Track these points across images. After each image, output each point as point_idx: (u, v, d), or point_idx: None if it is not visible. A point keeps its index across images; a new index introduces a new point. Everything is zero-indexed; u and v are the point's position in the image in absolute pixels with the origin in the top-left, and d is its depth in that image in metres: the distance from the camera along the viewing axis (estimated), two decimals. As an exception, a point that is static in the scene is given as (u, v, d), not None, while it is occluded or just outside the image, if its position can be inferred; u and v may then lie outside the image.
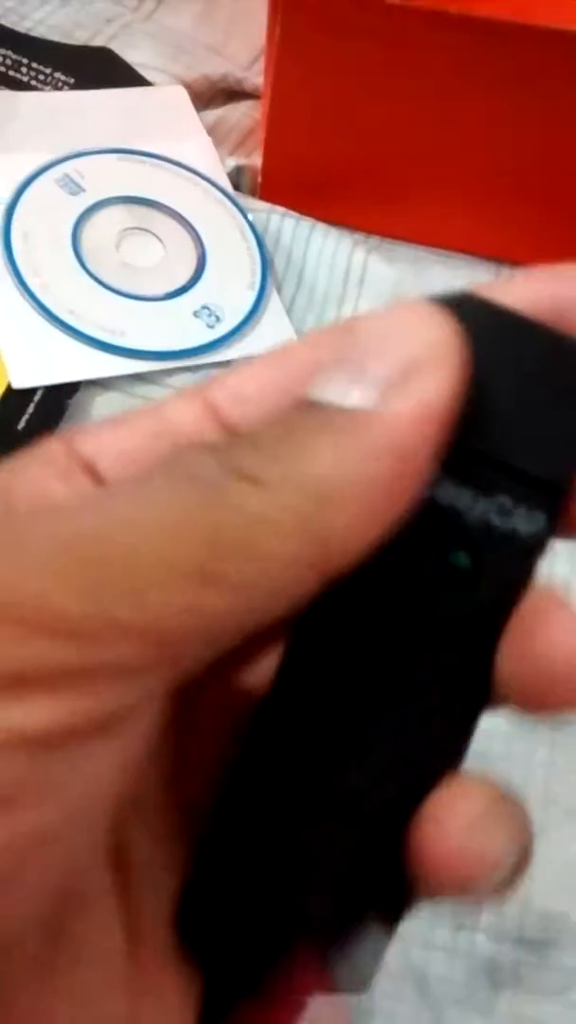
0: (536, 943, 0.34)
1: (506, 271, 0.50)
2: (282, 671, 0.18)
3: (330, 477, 0.15)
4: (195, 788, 0.19)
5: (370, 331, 0.16)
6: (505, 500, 0.17)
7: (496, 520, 0.17)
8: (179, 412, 0.18)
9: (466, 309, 0.17)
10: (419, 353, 0.16)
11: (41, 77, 0.51)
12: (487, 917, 0.33)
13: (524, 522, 0.17)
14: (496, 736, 0.36)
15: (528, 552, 0.17)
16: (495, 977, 0.32)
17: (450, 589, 0.17)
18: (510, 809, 0.17)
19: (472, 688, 0.17)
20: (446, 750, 0.18)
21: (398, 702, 0.17)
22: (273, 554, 0.15)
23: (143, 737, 0.16)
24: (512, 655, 0.17)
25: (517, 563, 0.17)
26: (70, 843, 0.16)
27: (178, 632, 0.15)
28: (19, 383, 0.42)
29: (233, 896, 0.17)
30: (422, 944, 0.33)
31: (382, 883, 0.18)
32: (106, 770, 0.16)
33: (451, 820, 0.17)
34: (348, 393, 0.16)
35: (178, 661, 0.15)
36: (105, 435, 0.18)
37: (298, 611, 0.17)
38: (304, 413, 0.16)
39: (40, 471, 0.18)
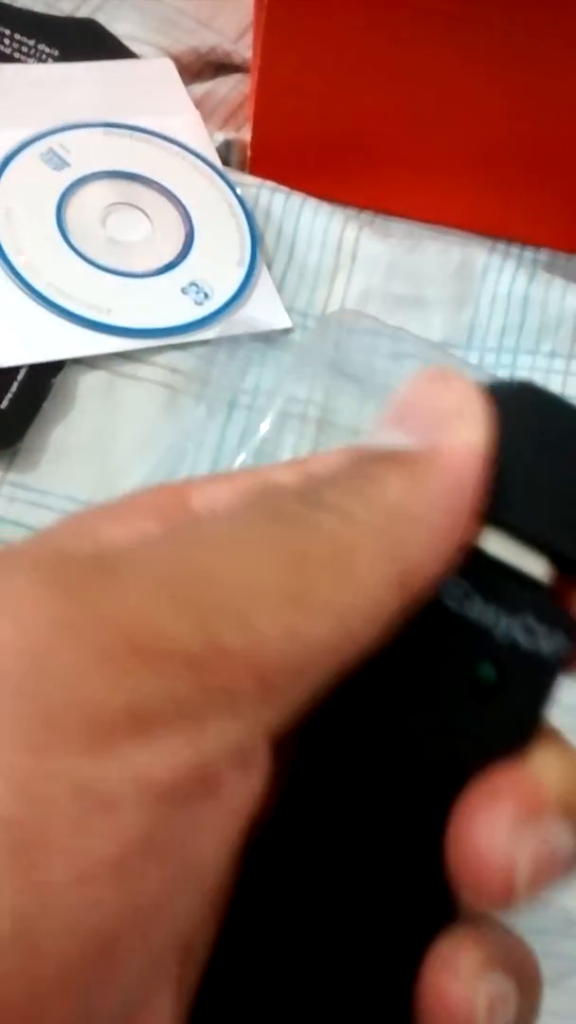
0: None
1: (501, 247, 0.49)
2: (290, 785, 0.18)
3: (405, 503, 0.17)
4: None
5: (404, 396, 0.18)
6: (530, 619, 0.18)
7: (521, 638, 0.18)
8: (282, 475, 0.19)
9: (511, 392, 0.18)
10: (452, 404, 0.18)
11: (24, 49, 0.50)
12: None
13: (547, 642, 0.18)
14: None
15: (549, 671, 0.18)
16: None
17: (473, 702, 0.18)
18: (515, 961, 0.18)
19: None
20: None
21: (411, 821, 0.17)
22: (363, 575, 0.16)
23: (252, 794, 0.16)
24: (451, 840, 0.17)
25: (539, 681, 0.18)
26: (174, 918, 0.15)
27: (281, 658, 0.15)
28: (2, 361, 0.41)
29: (240, 1010, 0.17)
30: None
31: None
32: (221, 829, 0.15)
33: (457, 968, 0.17)
34: (400, 440, 0.17)
35: (282, 695, 0.15)
36: (211, 488, 0.18)
37: (311, 718, 0.17)
38: (367, 457, 0.17)
39: (137, 514, 0.18)
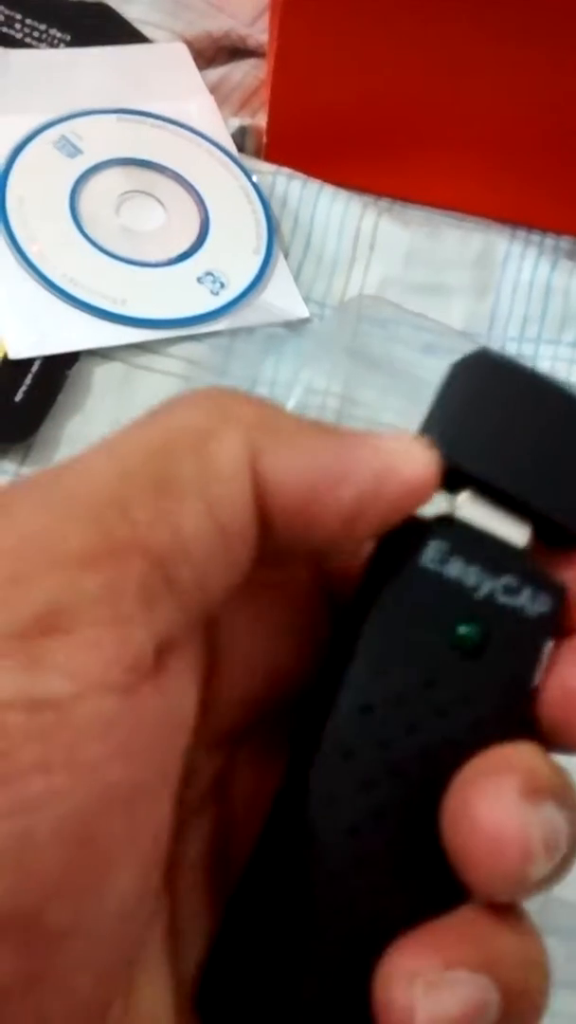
0: (563, 931, 0.32)
1: (523, 233, 0.48)
2: (289, 764, 0.18)
3: (289, 427, 0.18)
4: (233, 865, 0.19)
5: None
6: (512, 580, 0.18)
7: (503, 598, 0.18)
8: None
9: (482, 363, 0.19)
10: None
11: (36, 34, 0.49)
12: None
13: (531, 603, 0.18)
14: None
15: (534, 632, 0.18)
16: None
17: (458, 663, 0.18)
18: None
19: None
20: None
21: (408, 773, 0.17)
22: (218, 450, 0.16)
23: (196, 682, 0.17)
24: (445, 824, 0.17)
25: (525, 643, 0.18)
26: (151, 815, 0.16)
27: (165, 543, 0.16)
28: (16, 353, 0.40)
29: (244, 990, 0.17)
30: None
31: None
32: (171, 721, 0.16)
33: None
34: None
35: (177, 580, 0.16)
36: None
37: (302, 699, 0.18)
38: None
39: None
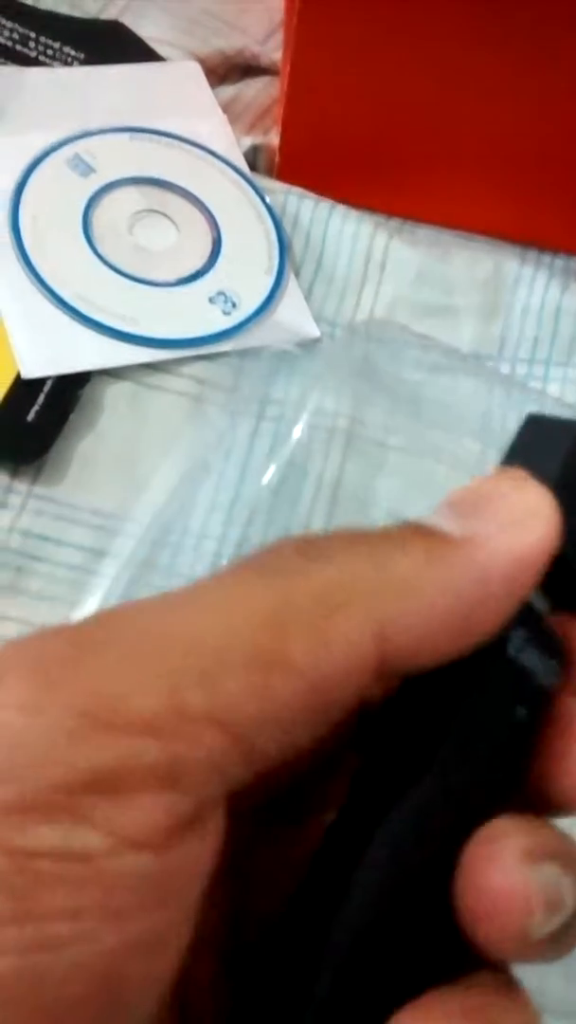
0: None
1: (533, 255, 0.48)
2: (331, 830, 0.18)
3: (405, 575, 0.16)
4: (246, 941, 0.19)
5: (472, 486, 0.18)
6: (552, 660, 0.18)
7: (545, 678, 0.18)
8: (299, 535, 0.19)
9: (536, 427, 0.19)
10: (521, 511, 0.17)
11: (50, 52, 0.49)
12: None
13: (552, 673, 0.18)
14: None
15: (546, 700, 0.18)
16: None
17: (508, 739, 0.18)
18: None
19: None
20: None
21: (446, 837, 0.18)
22: (341, 631, 0.15)
23: (224, 838, 0.16)
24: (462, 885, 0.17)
25: (543, 714, 0.18)
26: (173, 952, 0.16)
27: (250, 717, 0.15)
28: (28, 373, 0.40)
29: None
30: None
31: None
32: (202, 869, 0.16)
33: None
34: (446, 523, 0.17)
35: (253, 750, 0.15)
36: None
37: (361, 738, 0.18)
38: (399, 525, 0.17)
39: None
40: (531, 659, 0.18)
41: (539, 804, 0.18)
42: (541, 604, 0.19)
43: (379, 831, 0.17)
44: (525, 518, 0.17)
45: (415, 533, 0.17)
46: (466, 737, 0.18)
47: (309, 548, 0.16)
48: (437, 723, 0.18)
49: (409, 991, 0.17)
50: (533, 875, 0.16)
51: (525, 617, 0.18)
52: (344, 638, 0.15)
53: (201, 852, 0.16)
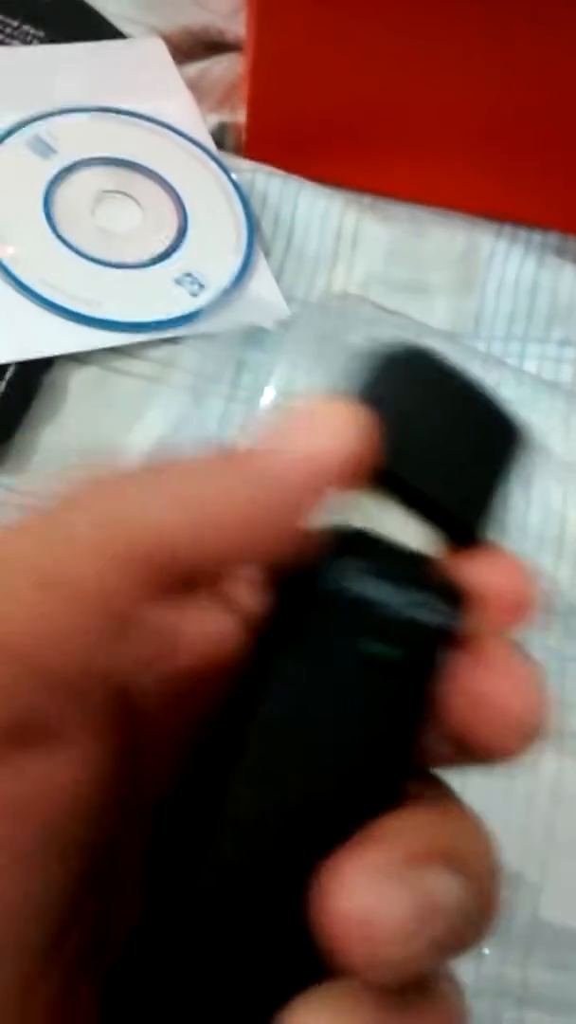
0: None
1: (508, 230, 0.47)
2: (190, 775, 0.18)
3: (193, 490, 0.16)
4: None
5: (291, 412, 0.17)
6: (417, 592, 0.17)
7: (410, 611, 0.17)
8: None
9: (411, 361, 0.18)
10: (321, 420, 0.17)
11: (8, 30, 0.48)
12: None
13: (437, 614, 0.17)
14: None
15: (440, 643, 0.17)
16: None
17: (371, 684, 0.17)
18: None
19: (393, 770, 0.17)
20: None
21: (326, 784, 0.17)
22: (109, 547, 0.16)
23: (86, 761, 0.16)
24: (455, 707, 0.17)
25: (431, 655, 0.17)
26: (43, 863, 0.16)
27: (31, 638, 0.15)
28: (-11, 359, 0.39)
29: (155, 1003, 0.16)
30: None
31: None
32: (55, 791, 0.16)
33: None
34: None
35: (50, 672, 0.15)
36: None
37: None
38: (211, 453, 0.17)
39: None
40: (381, 592, 0.17)
41: (461, 755, 0.17)
42: (429, 541, 0.18)
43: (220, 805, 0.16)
44: (323, 425, 0.17)
45: (216, 455, 0.17)
46: (299, 682, 0.17)
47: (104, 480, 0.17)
48: (268, 667, 0.17)
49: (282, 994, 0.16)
50: (396, 891, 0.15)
51: (361, 547, 0.17)
52: (111, 551, 0.15)
53: (51, 772, 0.16)
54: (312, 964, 0.15)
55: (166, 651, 0.17)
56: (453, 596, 0.17)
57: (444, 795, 0.18)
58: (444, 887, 0.15)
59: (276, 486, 0.16)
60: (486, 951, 0.30)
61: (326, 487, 0.16)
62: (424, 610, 0.17)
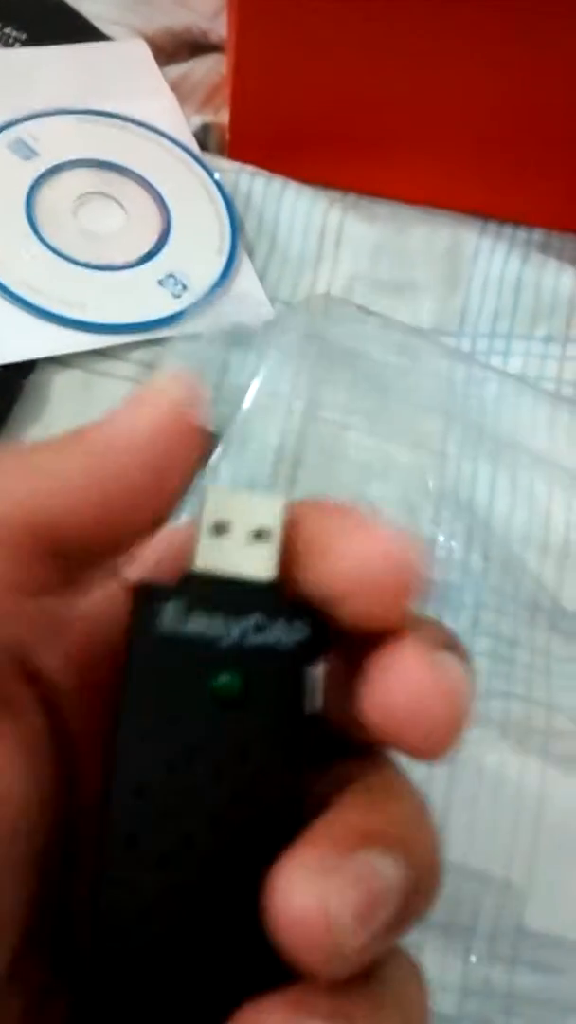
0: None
1: (493, 227, 0.47)
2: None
3: (51, 462, 0.17)
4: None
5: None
6: (258, 618, 0.17)
7: (253, 638, 0.17)
8: None
9: None
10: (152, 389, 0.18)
11: (-11, 33, 0.48)
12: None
13: (285, 634, 0.17)
14: (486, 748, 0.33)
15: (294, 663, 0.17)
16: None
17: (224, 718, 0.17)
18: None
19: (281, 798, 0.17)
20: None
21: (204, 842, 0.17)
22: None
23: (12, 750, 0.16)
24: (365, 700, 0.16)
25: (285, 676, 0.17)
26: None
27: None
28: (-30, 363, 0.39)
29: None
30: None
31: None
32: None
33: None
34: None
35: None
36: None
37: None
38: None
39: None
40: (206, 626, 0.17)
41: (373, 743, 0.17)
42: (266, 571, 0.17)
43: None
44: (153, 393, 0.18)
45: (67, 433, 0.17)
46: (162, 724, 0.17)
47: None
48: (121, 722, 0.17)
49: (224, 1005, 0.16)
50: (329, 882, 0.15)
51: (185, 587, 0.17)
52: None
53: None
54: (266, 967, 0.15)
55: (62, 628, 0.17)
56: (299, 615, 0.17)
57: (383, 774, 0.17)
58: (382, 869, 0.15)
59: (113, 454, 0.17)
60: (473, 958, 0.30)
61: (164, 450, 0.17)
62: (267, 633, 0.17)
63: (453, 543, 0.38)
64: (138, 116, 0.47)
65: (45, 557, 0.16)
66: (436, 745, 0.16)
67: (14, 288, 0.41)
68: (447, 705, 0.16)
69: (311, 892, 0.15)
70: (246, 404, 0.39)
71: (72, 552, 0.17)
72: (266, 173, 0.46)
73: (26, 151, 0.45)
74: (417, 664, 0.16)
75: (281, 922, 0.15)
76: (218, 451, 0.39)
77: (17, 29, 0.48)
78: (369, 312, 0.42)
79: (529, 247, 0.46)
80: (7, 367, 0.40)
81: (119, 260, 0.43)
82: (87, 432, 0.17)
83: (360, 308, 0.43)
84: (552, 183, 0.46)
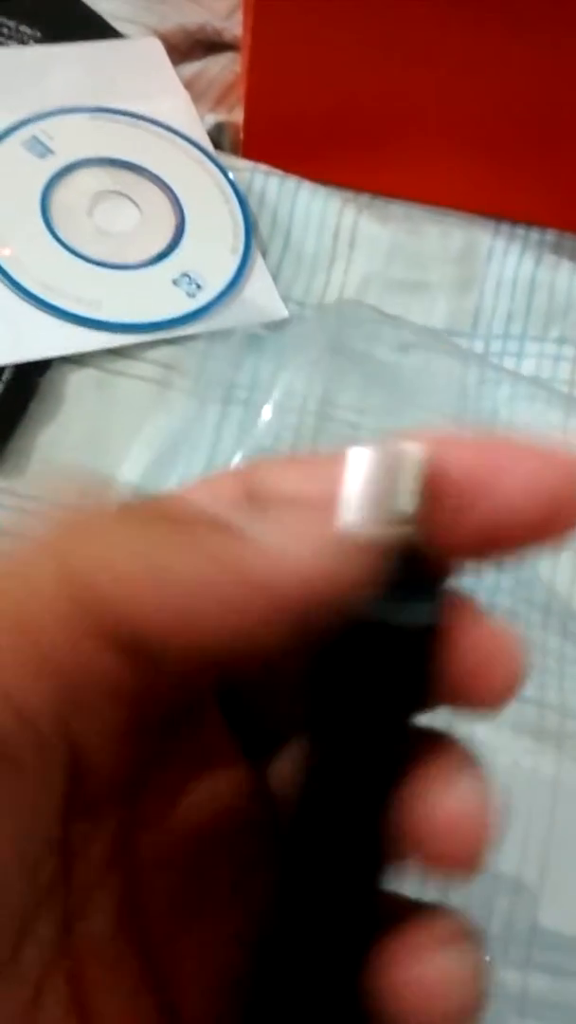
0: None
1: (506, 228, 0.47)
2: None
3: (182, 566, 0.15)
4: (154, 931, 0.18)
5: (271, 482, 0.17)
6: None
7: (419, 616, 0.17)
8: None
9: None
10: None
11: (5, 31, 0.48)
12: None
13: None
14: (500, 750, 0.33)
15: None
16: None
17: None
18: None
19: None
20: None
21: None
22: (42, 583, 0.15)
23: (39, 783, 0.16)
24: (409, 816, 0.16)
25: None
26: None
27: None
28: (-14, 362, 0.39)
29: None
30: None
31: None
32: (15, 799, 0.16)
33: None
34: (244, 520, 0.16)
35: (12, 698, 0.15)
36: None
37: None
38: (202, 516, 0.16)
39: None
40: (407, 613, 0.17)
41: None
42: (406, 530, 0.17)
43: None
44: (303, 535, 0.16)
45: (206, 525, 0.16)
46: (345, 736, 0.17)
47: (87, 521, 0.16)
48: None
49: None
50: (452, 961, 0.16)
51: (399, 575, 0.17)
52: (74, 611, 0.15)
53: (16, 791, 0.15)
54: None
55: (115, 704, 0.16)
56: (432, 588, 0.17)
57: None
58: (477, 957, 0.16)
59: (258, 593, 0.15)
60: (487, 958, 0.30)
61: (302, 610, 0.15)
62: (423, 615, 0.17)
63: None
64: (152, 115, 0.47)
65: (122, 643, 0.15)
66: (501, 694, 0.17)
67: (30, 287, 0.41)
68: (513, 656, 0.17)
69: (432, 964, 0.16)
70: (267, 406, 0.39)
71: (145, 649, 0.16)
72: (280, 172, 0.46)
73: (41, 149, 0.45)
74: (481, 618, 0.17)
75: (397, 989, 0.16)
76: (238, 456, 0.39)
77: (32, 27, 0.48)
78: (386, 315, 0.42)
79: (542, 248, 0.46)
80: (23, 365, 0.40)
81: (133, 259, 0.43)
82: (224, 545, 0.16)
83: (376, 310, 0.43)
84: (566, 184, 0.46)
